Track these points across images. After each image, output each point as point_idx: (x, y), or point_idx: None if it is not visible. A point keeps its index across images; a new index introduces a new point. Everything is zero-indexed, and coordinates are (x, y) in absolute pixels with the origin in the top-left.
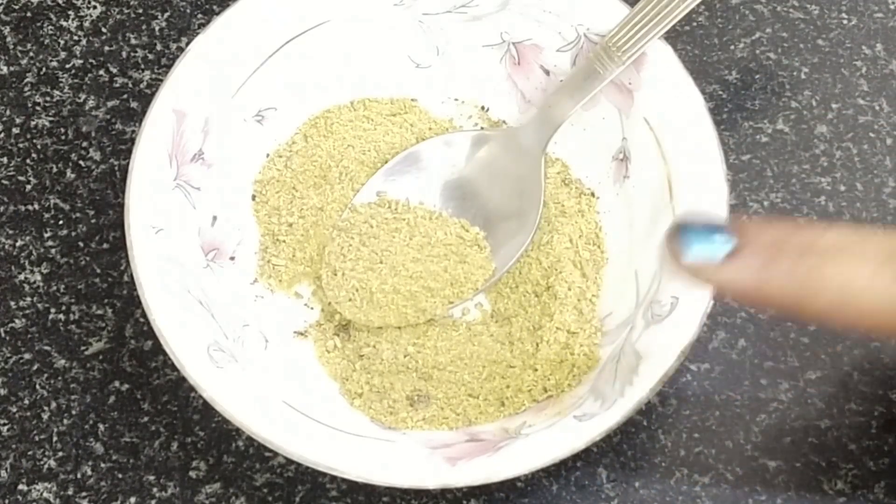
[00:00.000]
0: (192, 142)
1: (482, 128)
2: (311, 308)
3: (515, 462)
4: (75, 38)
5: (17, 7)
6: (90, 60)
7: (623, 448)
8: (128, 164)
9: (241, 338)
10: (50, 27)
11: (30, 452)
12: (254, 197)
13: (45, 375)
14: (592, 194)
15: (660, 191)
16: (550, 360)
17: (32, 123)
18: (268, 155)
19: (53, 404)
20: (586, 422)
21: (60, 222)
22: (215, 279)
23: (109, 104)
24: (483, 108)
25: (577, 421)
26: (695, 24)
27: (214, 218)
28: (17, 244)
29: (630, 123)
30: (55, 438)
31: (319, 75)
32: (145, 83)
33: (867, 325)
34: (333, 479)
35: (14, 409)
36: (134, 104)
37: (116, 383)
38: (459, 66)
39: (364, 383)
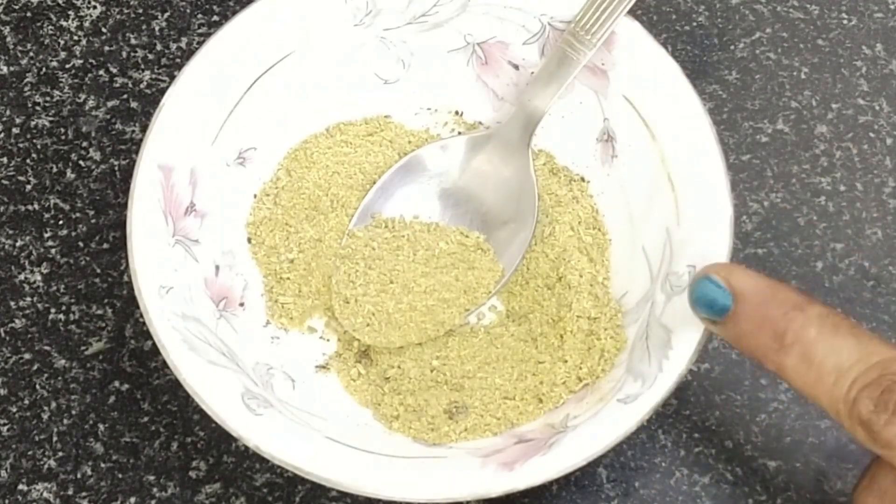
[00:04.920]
0: (182, 195)
1: (460, 132)
2: (328, 340)
3: (573, 454)
4: (75, 38)
5: (17, 7)
6: (90, 60)
7: (623, 448)
8: (128, 164)
9: (268, 382)
10: (50, 27)
11: (30, 452)
12: (249, 240)
13: (45, 375)
14: (582, 179)
15: (652, 163)
16: (578, 349)
17: (32, 123)
18: (255, 196)
19: (53, 404)
20: (631, 403)
21: (60, 222)
22: (230, 328)
23: (109, 104)
24: (457, 112)
25: (623, 404)
26: (695, 24)
27: (217, 267)
28: (17, 244)
29: (609, 103)
30: (55, 438)
31: (291, 108)
32: (145, 83)
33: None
34: None
35: (14, 409)
36: (134, 104)
37: (116, 383)
38: (427, 76)
39: (398, 405)
